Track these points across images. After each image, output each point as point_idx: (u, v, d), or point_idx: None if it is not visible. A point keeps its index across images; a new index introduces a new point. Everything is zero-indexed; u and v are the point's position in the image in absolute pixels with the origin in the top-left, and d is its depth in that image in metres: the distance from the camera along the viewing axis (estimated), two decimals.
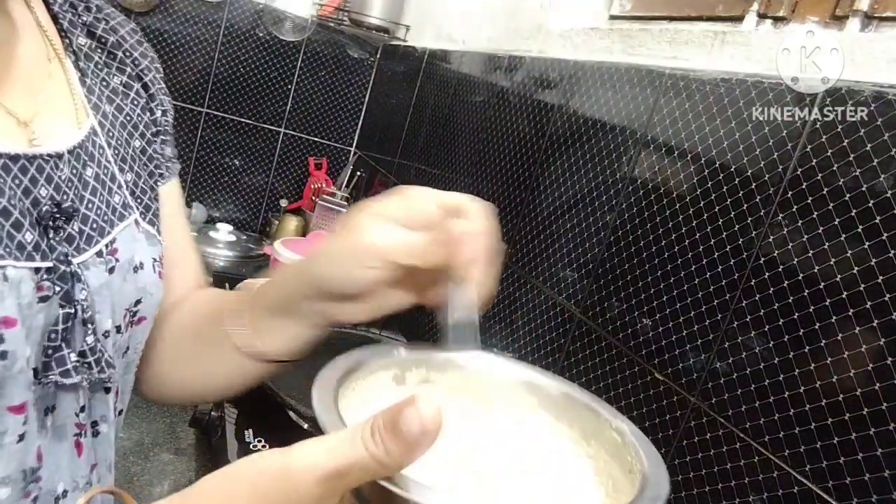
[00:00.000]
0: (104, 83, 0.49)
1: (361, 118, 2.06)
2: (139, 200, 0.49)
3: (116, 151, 0.48)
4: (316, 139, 2.05)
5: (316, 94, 2.00)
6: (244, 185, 2.04)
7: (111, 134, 0.48)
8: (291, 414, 0.84)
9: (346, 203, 1.84)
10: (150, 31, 1.82)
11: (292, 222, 1.89)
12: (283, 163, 2.04)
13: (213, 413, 0.83)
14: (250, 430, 0.80)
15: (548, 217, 0.99)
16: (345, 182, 1.95)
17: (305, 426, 0.83)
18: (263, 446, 0.78)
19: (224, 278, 1.28)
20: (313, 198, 1.91)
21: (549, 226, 0.99)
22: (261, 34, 1.91)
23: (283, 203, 2.02)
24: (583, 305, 0.88)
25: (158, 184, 0.53)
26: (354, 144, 2.08)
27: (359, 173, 1.95)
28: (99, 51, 0.50)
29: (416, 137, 1.57)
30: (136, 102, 0.52)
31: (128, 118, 0.50)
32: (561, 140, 1.00)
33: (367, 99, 2.05)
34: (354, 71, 2.02)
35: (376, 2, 1.72)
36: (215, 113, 1.94)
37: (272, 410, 0.83)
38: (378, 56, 2.01)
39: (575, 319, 0.89)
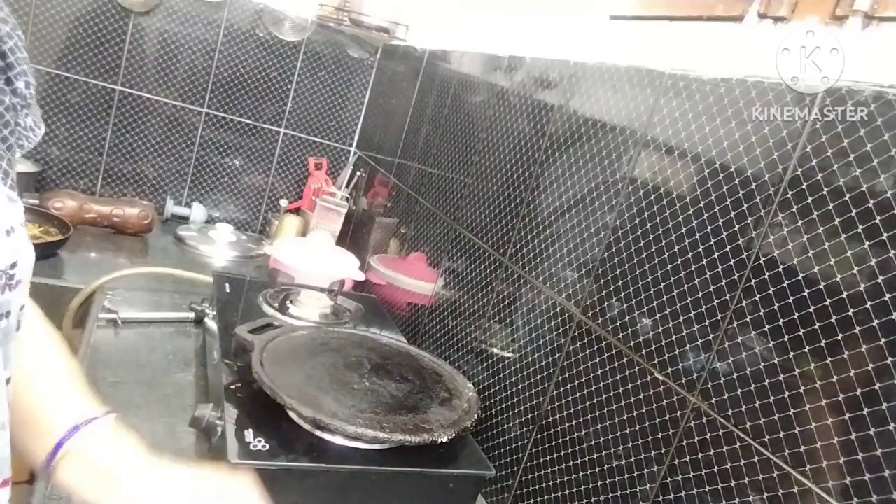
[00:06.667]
0: None
1: (361, 118, 2.06)
2: None
3: None
4: (316, 139, 2.05)
5: (316, 94, 2.00)
6: (244, 185, 2.04)
7: None
8: (291, 414, 0.84)
9: (345, 203, 1.84)
10: (150, 31, 1.82)
11: (292, 222, 1.89)
12: (282, 163, 2.04)
13: (213, 413, 0.83)
14: (250, 430, 0.79)
15: (548, 217, 0.99)
16: (345, 182, 1.95)
17: (306, 426, 0.83)
18: (263, 446, 0.78)
19: (224, 278, 1.28)
20: (313, 198, 1.91)
21: (549, 226, 0.99)
22: (261, 34, 1.91)
23: (283, 203, 2.02)
24: (583, 305, 0.88)
25: (17, 151, 0.53)
26: (354, 144, 2.08)
27: (359, 173, 1.95)
28: None
29: (416, 137, 1.57)
30: None
31: None
32: (561, 140, 1.00)
33: (367, 99, 2.05)
34: (354, 71, 2.02)
35: (376, 2, 1.72)
36: (215, 113, 1.94)
37: (272, 410, 0.83)
38: (378, 56, 2.01)
39: (575, 319, 0.89)
